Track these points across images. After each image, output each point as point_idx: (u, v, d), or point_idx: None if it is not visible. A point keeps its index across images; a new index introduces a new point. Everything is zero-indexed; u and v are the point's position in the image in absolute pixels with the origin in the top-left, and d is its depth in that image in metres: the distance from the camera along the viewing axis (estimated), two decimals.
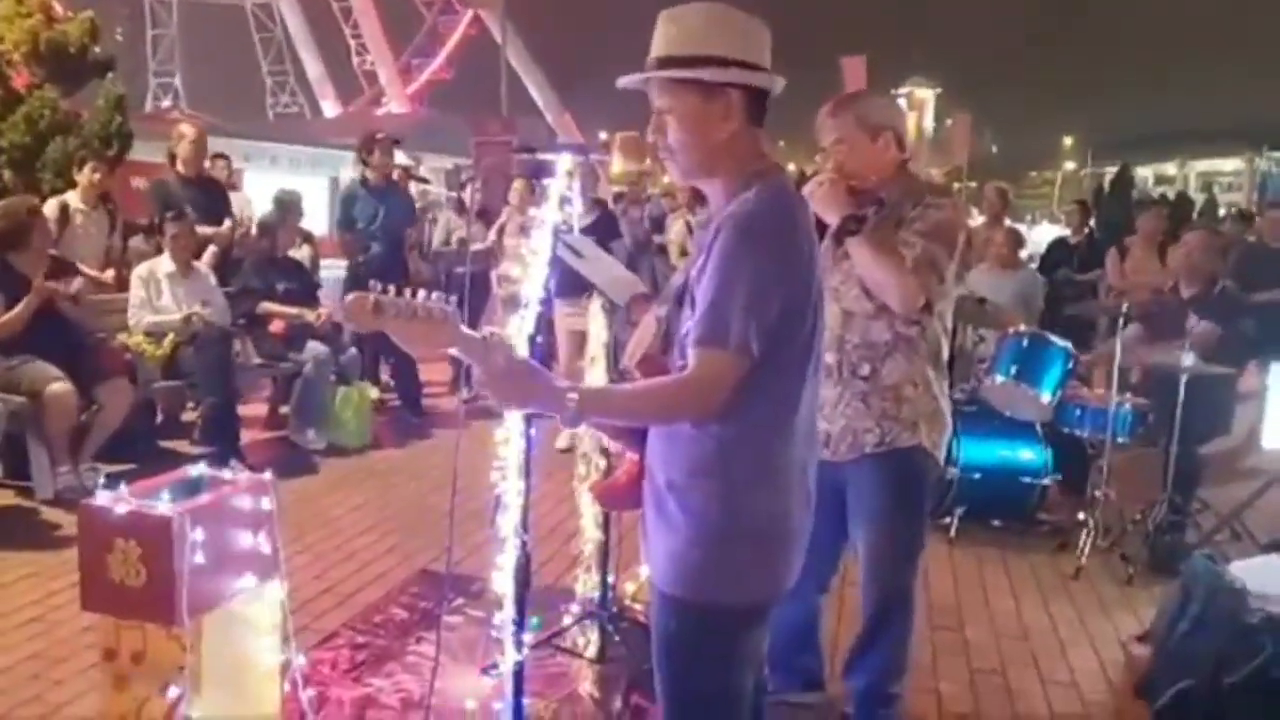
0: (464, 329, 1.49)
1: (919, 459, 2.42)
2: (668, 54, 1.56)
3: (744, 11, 1.58)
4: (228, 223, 5.94)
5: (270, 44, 50.16)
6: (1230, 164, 45.34)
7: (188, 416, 5.57)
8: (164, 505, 2.26)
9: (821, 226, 2.31)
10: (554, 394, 1.51)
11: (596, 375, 3.05)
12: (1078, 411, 4.41)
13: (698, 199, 6.86)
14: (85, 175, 5.61)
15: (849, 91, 2.62)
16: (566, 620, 3.12)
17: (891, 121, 2.44)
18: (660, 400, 1.56)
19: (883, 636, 2.55)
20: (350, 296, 1.40)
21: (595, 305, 3.13)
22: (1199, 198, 32.23)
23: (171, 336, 4.98)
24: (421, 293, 1.44)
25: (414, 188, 8.30)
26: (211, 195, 6.02)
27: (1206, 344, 4.19)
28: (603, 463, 2.98)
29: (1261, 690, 2.42)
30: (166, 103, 46.50)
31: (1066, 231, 8.55)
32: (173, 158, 6.11)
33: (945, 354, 2.50)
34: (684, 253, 7.21)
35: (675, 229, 7.50)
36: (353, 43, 47.35)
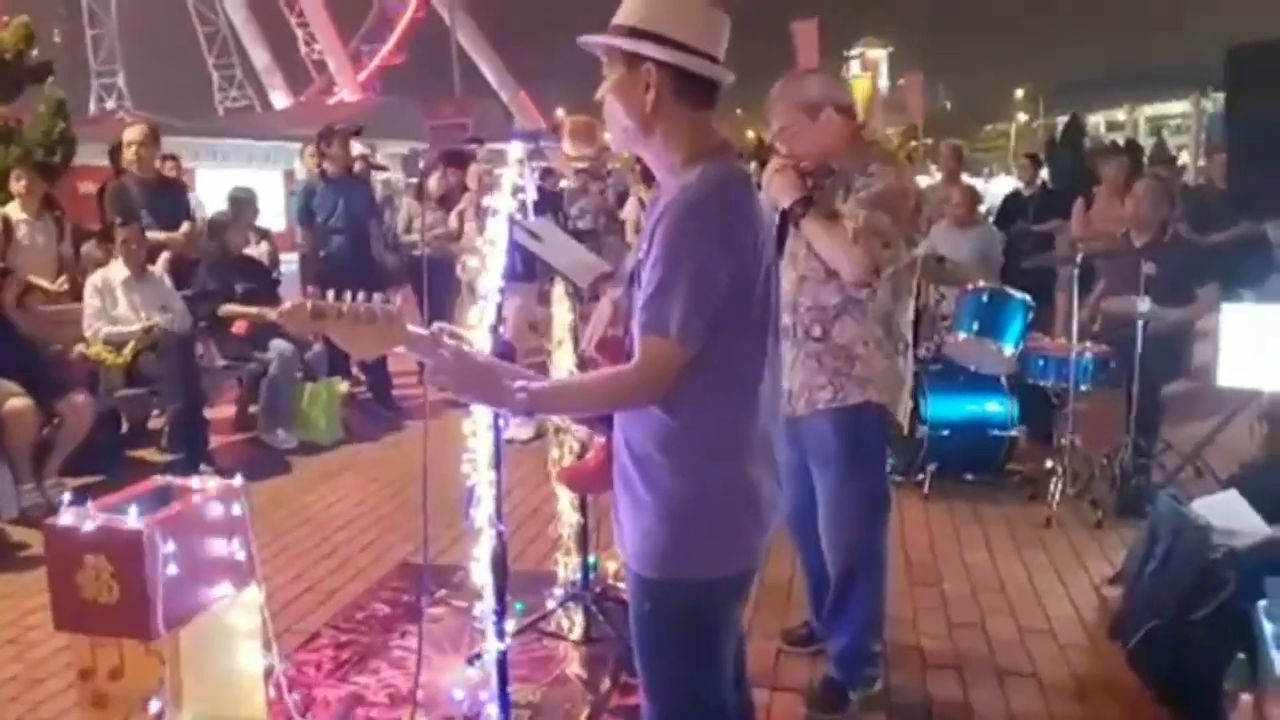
0: (410, 326, 1.49)
1: (870, 414, 2.53)
2: (614, 22, 1.60)
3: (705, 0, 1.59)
4: (185, 226, 5.82)
5: (214, 37, 48.89)
6: (1178, 107, 45.86)
7: (154, 424, 5.50)
8: (133, 518, 2.23)
9: (784, 218, 2.47)
10: (503, 389, 1.53)
11: (563, 358, 3.04)
12: (1040, 362, 4.48)
13: (648, 175, 6.83)
14: (16, 186, 5.50)
15: (789, 74, 2.65)
16: (550, 604, 3.13)
17: (829, 96, 2.50)
18: (607, 391, 1.59)
19: (852, 593, 2.63)
20: (286, 304, 1.39)
21: (559, 289, 3.11)
22: (1148, 142, 32.61)
23: (132, 343, 4.89)
24: (362, 294, 1.43)
25: (376, 176, 8.19)
26: (170, 197, 5.89)
27: (1211, 304, 4.28)
28: (576, 446, 2.98)
29: (1226, 624, 2.49)
30: (111, 104, 45.28)
31: (1021, 184, 8.65)
32: (113, 159, 5.98)
33: (903, 314, 2.60)
34: (638, 230, 7.19)
35: (629, 205, 7.47)
36: (299, 32, 46.32)
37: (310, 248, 6.19)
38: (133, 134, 5.73)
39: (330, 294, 1.41)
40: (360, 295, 1.44)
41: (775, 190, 2.47)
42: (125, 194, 5.61)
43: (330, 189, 6.07)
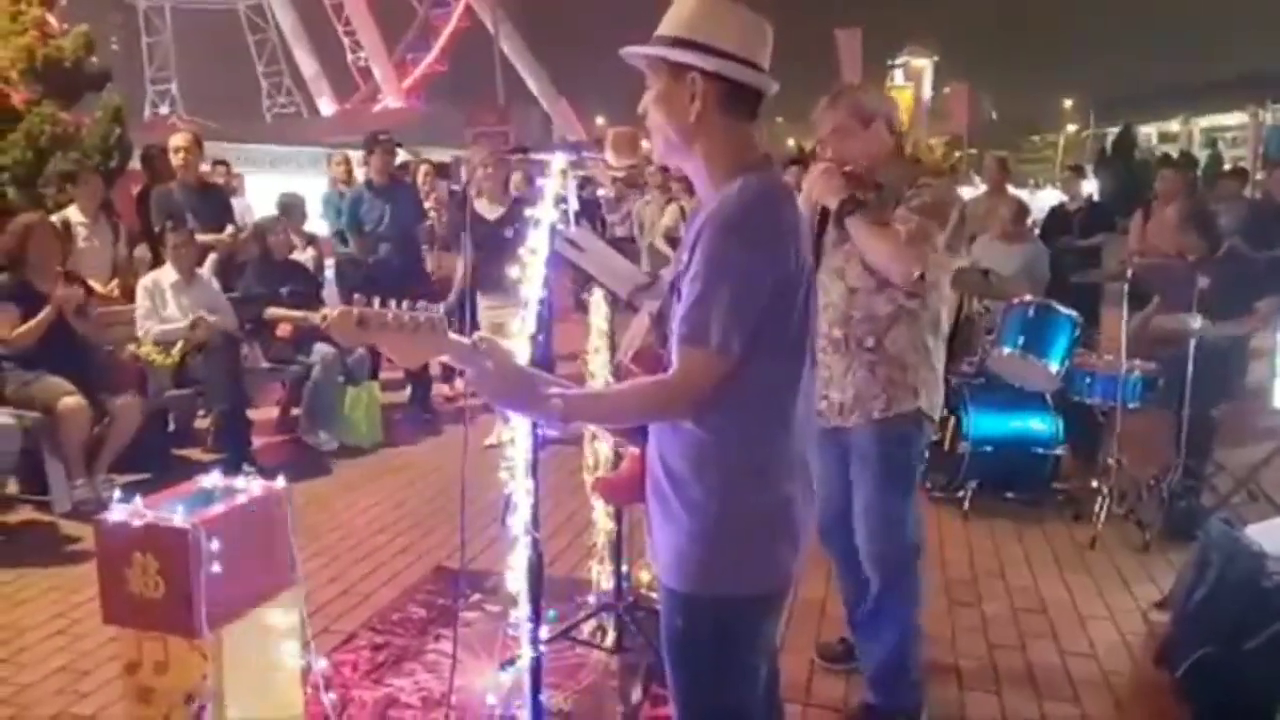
0: (452, 335, 1.50)
1: (918, 421, 2.59)
2: (658, 33, 1.60)
3: (747, 9, 1.59)
4: (229, 229, 5.97)
5: (264, 45, 50.13)
6: (1234, 118, 44.74)
7: (200, 424, 5.61)
8: (179, 517, 2.28)
9: (824, 213, 2.53)
10: (539, 399, 1.54)
11: (599, 366, 3.05)
12: (1087, 379, 4.38)
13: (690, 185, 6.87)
14: (78, 190, 5.67)
15: (846, 85, 2.79)
16: (582, 612, 3.14)
17: (882, 109, 2.59)
18: (644, 401, 1.57)
19: (890, 604, 2.61)
20: (334, 312, 1.41)
21: (597, 296, 3.12)
22: (1203, 154, 31.89)
23: (180, 345, 5.01)
24: (406, 303, 1.45)
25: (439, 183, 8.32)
26: (213, 201, 6.05)
27: (1270, 317, 4.17)
28: (609, 454, 2.98)
29: None
30: (164, 109, 46.57)
31: (1065, 197, 8.48)
32: (146, 164, 6.15)
33: (945, 325, 2.64)
34: (668, 238, 7.22)
35: (668, 213, 7.49)
36: (346, 40, 47.24)
37: (359, 254, 6.28)
38: (180, 140, 5.90)
39: (375, 302, 1.43)
40: (405, 303, 1.46)
41: (820, 190, 2.51)
42: (170, 198, 5.76)
43: (377, 197, 6.16)
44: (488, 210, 5.40)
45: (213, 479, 2.58)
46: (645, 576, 3.29)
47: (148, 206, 6.01)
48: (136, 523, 2.27)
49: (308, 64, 46.94)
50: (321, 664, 2.67)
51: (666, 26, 1.59)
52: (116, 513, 2.31)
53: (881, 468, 2.57)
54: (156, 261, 5.60)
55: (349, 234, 6.33)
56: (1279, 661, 2.41)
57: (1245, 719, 2.46)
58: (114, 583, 2.29)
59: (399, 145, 6.63)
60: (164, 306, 5.12)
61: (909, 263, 2.42)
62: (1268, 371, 4.43)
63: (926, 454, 2.85)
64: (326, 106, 46.48)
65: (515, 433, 1.94)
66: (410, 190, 6.74)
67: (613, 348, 3.03)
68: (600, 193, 10.93)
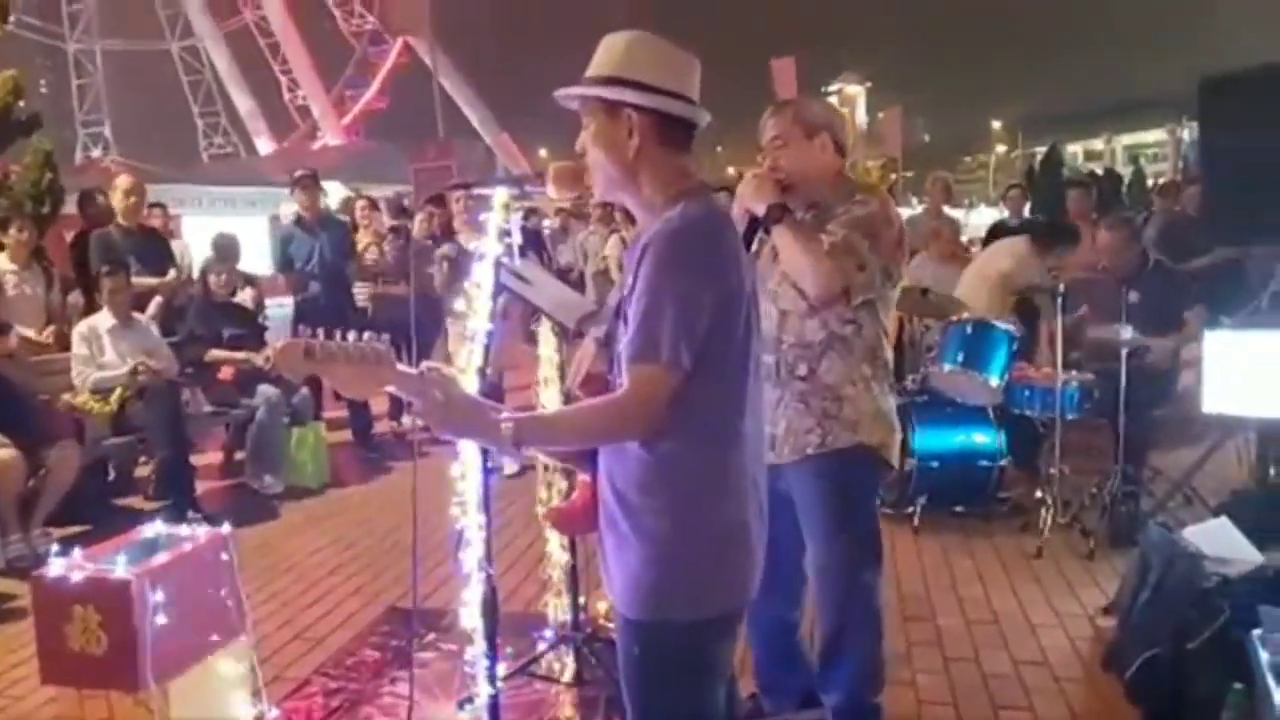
0: (400, 366, 1.50)
1: (861, 458, 2.41)
2: (588, 74, 1.64)
3: (674, 45, 1.64)
4: (172, 272, 5.89)
5: (199, 86, 49.47)
6: (1153, 135, 46.90)
7: (141, 472, 5.46)
8: (121, 568, 2.22)
9: (752, 225, 2.34)
10: (490, 426, 1.53)
11: (549, 397, 3.05)
12: (1026, 392, 4.51)
13: (628, 217, 7.02)
14: (10, 236, 5.52)
15: (789, 96, 2.61)
16: (540, 646, 3.11)
17: (828, 123, 2.46)
18: (598, 421, 1.58)
19: (847, 648, 2.48)
20: (279, 344, 1.40)
21: (545, 328, 3.14)
22: (1127, 170, 33.21)
23: (119, 391, 4.88)
24: (353, 334, 1.44)
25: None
26: (153, 245, 5.95)
27: (1201, 326, 4.32)
28: (564, 485, 2.98)
29: (1222, 652, 2.48)
30: (96, 152, 45.57)
31: (1005, 214, 8.74)
32: (82, 208, 6.03)
33: (885, 354, 2.48)
34: (622, 268, 7.31)
35: (610, 243, 7.59)
36: (283, 78, 46.84)
37: (291, 291, 6.22)
38: (127, 184, 5.82)
39: (320, 333, 1.42)
40: (351, 335, 1.45)
41: (750, 195, 2.33)
42: (110, 242, 5.63)
43: (307, 234, 6.11)
44: (468, 242, 5.68)
45: (155, 528, 2.52)
46: (602, 607, 3.28)
47: (83, 251, 5.87)
48: (76, 576, 2.21)
49: (244, 104, 46.42)
50: (274, 713, 2.60)
51: (597, 67, 1.63)
52: (54, 567, 2.25)
53: (824, 508, 2.40)
54: (90, 307, 5.46)
55: (279, 271, 6.26)
56: (1222, 659, 2.47)
57: (1193, 717, 2.53)
58: (53, 640, 2.22)
59: (320, 183, 6.62)
60: (101, 353, 4.99)
61: (828, 276, 2.26)
62: (1195, 378, 4.60)
63: (878, 494, 2.64)
64: (264, 145, 45.96)
65: (466, 467, 1.93)
66: (340, 226, 6.70)
67: (563, 378, 3.04)
68: (545, 224, 10.98)
